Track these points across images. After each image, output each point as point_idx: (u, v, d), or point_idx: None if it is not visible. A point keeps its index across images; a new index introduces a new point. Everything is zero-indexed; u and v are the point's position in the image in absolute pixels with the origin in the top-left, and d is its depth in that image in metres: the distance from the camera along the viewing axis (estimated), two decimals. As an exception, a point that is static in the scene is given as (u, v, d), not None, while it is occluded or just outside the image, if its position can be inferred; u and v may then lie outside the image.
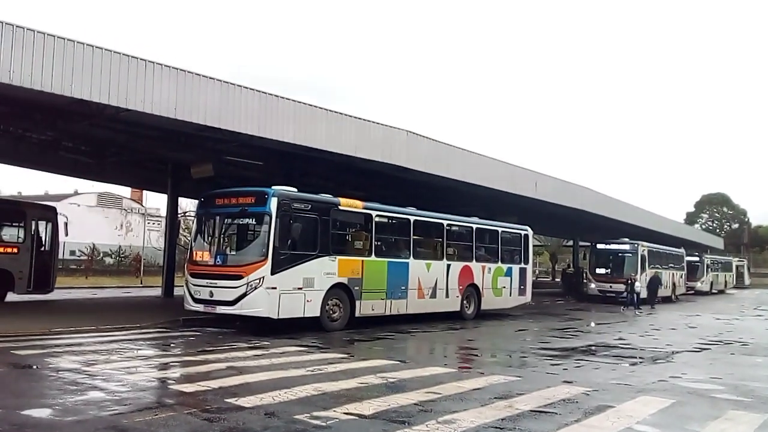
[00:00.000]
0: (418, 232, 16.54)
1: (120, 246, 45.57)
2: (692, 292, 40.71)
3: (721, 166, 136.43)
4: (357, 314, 14.32)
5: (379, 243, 15.31)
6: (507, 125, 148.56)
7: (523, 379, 8.57)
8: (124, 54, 12.00)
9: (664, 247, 34.83)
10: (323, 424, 5.77)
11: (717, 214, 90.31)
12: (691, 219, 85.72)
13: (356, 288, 14.27)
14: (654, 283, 27.88)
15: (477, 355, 11.78)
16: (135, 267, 39.15)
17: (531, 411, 6.59)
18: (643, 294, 29.62)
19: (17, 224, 18.18)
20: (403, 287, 15.69)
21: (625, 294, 25.63)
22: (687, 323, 20.08)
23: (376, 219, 15.24)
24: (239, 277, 12.48)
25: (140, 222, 49.36)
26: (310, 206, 13.56)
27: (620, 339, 14.55)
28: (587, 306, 26.86)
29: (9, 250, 17.52)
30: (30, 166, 23.22)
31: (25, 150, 19.64)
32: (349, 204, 14.71)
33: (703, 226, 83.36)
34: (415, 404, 6.70)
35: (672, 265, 35.10)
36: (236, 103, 13.80)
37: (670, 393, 7.95)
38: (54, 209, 19.83)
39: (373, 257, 14.93)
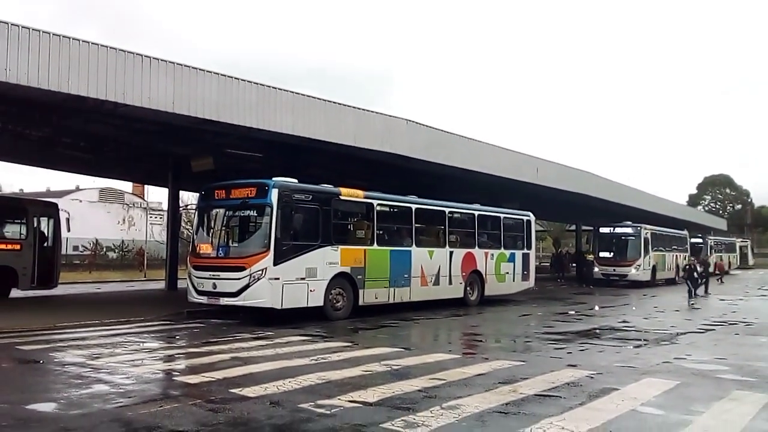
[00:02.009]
0: (420, 220, 16.52)
1: (123, 240, 45.66)
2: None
3: (723, 148, 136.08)
4: (360, 303, 14.34)
5: (381, 232, 15.30)
6: (506, 112, 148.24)
7: (527, 364, 8.57)
8: (120, 50, 11.96)
9: (668, 230, 34.78)
10: (328, 412, 5.78)
11: (720, 196, 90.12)
12: (694, 201, 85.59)
13: (359, 277, 14.29)
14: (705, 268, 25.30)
15: (481, 341, 11.79)
16: (138, 261, 39.25)
17: (535, 395, 6.60)
18: (646, 277, 29.72)
19: (19, 221, 18.20)
20: (406, 275, 15.70)
21: (688, 280, 23.20)
22: (691, 304, 20.10)
23: (378, 208, 15.23)
24: (242, 269, 12.50)
25: (142, 216, 49.35)
26: (311, 197, 13.55)
27: (624, 322, 14.56)
28: (591, 290, 26.86)
29: (12, 246, 17.54)
30: (30, 163, 23.27)
31: (25, 147, 19.66)
32: (350, 194, 14.69)
33: (706, 208, 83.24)
34: (419, 391, 6.71)
35: (675, 247, 35.06)
36: (234, 95, 13.76)
37: (675, 374, 7.96)
38: (55, 205, 19.85)
39: (375, 246, 14.93)
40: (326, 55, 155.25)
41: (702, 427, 5.51)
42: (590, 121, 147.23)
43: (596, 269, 30.14)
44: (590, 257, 29.16)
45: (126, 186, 54.67)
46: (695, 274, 23.31)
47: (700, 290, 23.38)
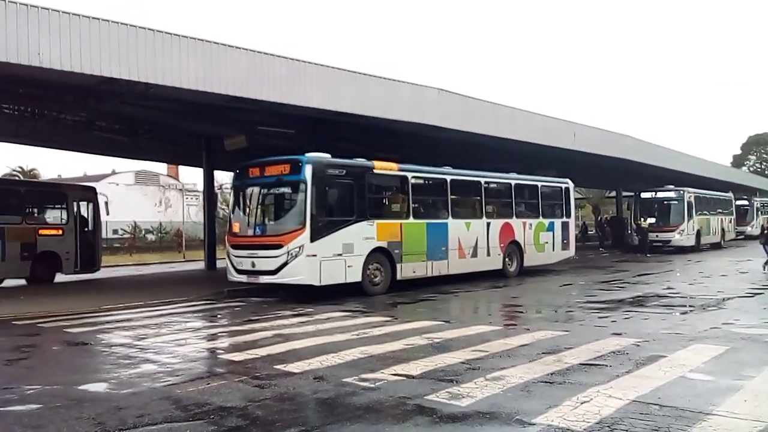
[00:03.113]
0: (456, 192, 16.35)
1: (161, 222, 46.48)
2: (742, 237, 39.67)
3: (767, 105, 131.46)
4: (398, 277, 14.30)
5: (416, 205, 15.18)
6: (540, 78, 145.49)
7: (570, 333, 8.44)
8: (149, 29, 11.97)
9: (712, 192, 33.83)
10: (372, 385, 5.77)
11: (765, 155, 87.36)
12: (738, 162, 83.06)
13: (396, 251, 14.23)
14: None
15: (522, 312, 11.66)
16: (177, 242, 39.97)
17: (580, 364, 6.49)
18: (690, 242, 29.00)
19: (59, 206, 18.62)
20: (443, 248, 15.59)
21: (766, 245, 19.77)
22: (738, 269, 19.61)
23: (412, 180, 15.09)
24: (279, 247, 12.55)
25: (178, 198, 50.15)
26: (344, 171, 13.49)
27: (669, 288, 14.25)
28: (632, 257, 26.37)
29: (54, 231, 17.95)
30: (67, 147, 23.70)
31: (61, 132, 20.04)
32: (383, 167, 14.58)
33: (751, 169, 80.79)
34: (462, 363, 6.66)
35: (720, 210, 34.14)
36: (263, 71, 13.72)
37: (723, 340, 7.77)
38: (94, 189, 20.21)
39: (411, 219, 14.83)
40: (329, 49, 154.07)
41: (753, 392, 5.37)
42: (629, 85, 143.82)
43: (637, 236, 29.51)
44: (645, 224, 27.91)
45: (161, 168, 55.52)
46: None
47: None
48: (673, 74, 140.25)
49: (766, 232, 21.00)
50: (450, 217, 15.98)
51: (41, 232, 17.58)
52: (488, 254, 16.99)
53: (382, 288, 13.90)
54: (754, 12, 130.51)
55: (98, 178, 48.28)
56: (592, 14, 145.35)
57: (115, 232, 41.42)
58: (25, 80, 12.79)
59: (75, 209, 18.67)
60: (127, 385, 6.11)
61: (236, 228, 13.95)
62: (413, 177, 15.14)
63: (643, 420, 4.59)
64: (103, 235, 23.57)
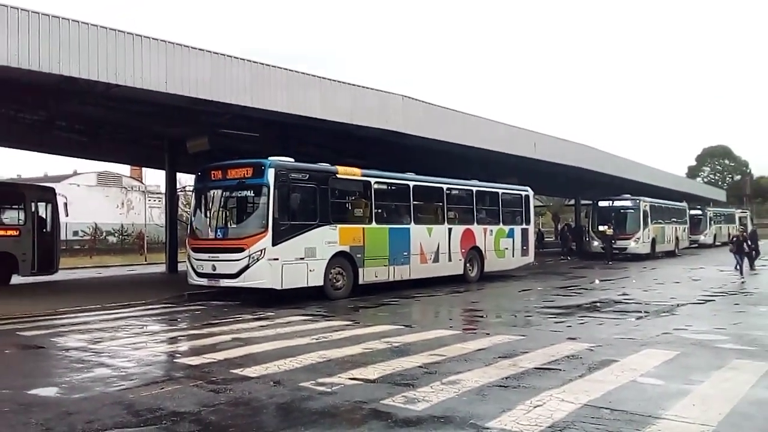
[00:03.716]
0: (418, 197, 16.49)
1: (122, 224, 45.71)
2: (696, 245, 40.78)
3: (721, 119, 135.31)
4: (360, 282, 14.35)
5: (379, 210, 15.27)
6: (501, 87, 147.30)
7: (527, 338, 8.60)
8: (111, 29, 11.82)
9: (666, 202, 34.73)
10: (329, 390, 5.80)
11: (719, 167, 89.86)
12: (693, 172, 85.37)
13: (358, 256, 14.28)
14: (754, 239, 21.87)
15: (482, 317, 11.81)
16: (138, 245, 39.32)
17: (535, 368, 6.62)
18: (645, 249, 29.66)
19: (17, 206, 18.16)
20: (405, 253, 15.70)
21: (736, 254, 20.49)
22: (690, 276, 20.15)
23: (375, 186, 15.18)
24: (241, 250, 12.49)
25: (141, 199, 49.38)
26: (308, 176, 13.49)
27: (624, 294, 14.59)
28: (590, 264, 26.89)
29: (10, 232, 17.52)
30: (26, 147, 23.15)
31: (20, 131, 19.55)
32: (347, 172, 14.63)
33: (705, 180, 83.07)
34: (419, 367, 6.73)
35: (674, 219, 35.05)
36: (228, 74, 13.64)
37: (675, 345, 7.98)
38: (53, 190, 19.81)
39: (373, 224, 14.90)
40: (311, 33, 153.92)
41: (701, 396, 5.53)
42: (586, 95, 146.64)
43: (595, 243, 30.09)
44: (609, 231, 28.27)
45: (124, 169, 54.55)
46: (745, 246, 20.53)
47: (746, 265, 20.47)
48: (633, 86, 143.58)
49: (734, 240, 21.54)
50: (412, 223, 16.10)
51: (-3, 232, 17.17)
52: (450, 259, 17.16)
53: (344, 292, 13.92)
54: (709, 26, 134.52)
55: (60, 178, 47.22)
56: (557, 25, 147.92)
57: (75, 233, 40.55)
58: (-21, 77, 12.49)
59: (33, 210, 18.26)
60: (79, 390, 6.02)
61: (197, 231, 13.83)
62: (376, 182, 15.23)
63: (594, 424, 4.70)
64: (63, 237, 23.06)
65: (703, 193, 51.28)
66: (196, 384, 6.14)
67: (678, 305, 12.49)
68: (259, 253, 12.36)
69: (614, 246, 28.53)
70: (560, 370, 6.57)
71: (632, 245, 29.26)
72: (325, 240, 13.54)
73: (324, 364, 6.91)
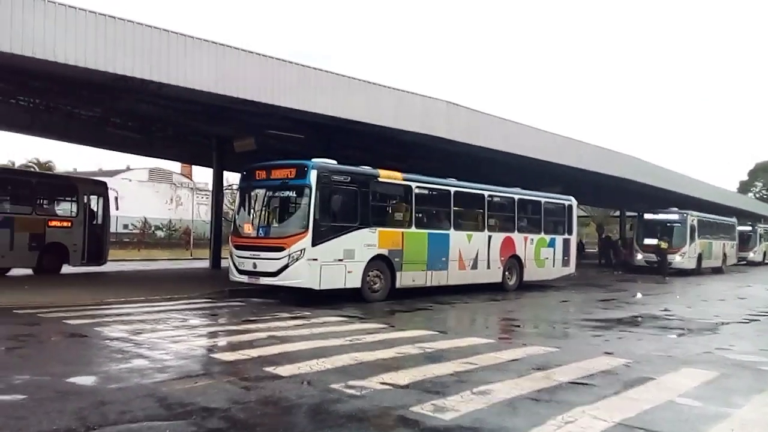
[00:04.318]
0: (459, 204, 16.40)
1: (170, 219, 46.73)
2: (744, 262, 39.52)
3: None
4: (397, 285, 14.36)
5: (419, 214, 15.25)
6: (547, 97, 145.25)
7: (562, 350, 8.48)
8: (164, 29, 12.13)
9: (715, 217, 33.68)
10: (358, 393, 5.83)
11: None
12: (744, 187, 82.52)
13: (397, 259, 14.30)
14: None
15: (518, 326, 11.69)
16: (185, 240, 40.11)
17: (569, 382, 6.52)
18: (691, 265, 28.84)
19: (70, 199, 18.80)
20: (443, 258, 15.65)
21: None
22: (736, 294, 19.55)
23: (416, 190, 15.17)
24: (281, 249, 12.65)
25: (189, 196, 50.37)
26: (349, 178, 13.58)
27: (666, 310, 14.24)
28: (634, 277, 26.31)
29: (63, 223, 18.13)
30: (82, 142, 23.91)
31: (76, 126, 20.25)
32: (388, 176, 14.67)
33: (757, 195, 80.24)
34: (451, 374, 6.70)
35: (723, 235, 33.98)
36: (275, 76, 13.84)
37: (715, 365, 7.76)
38: (105, 184, 20.40)
39: (413, 229, 14.90)
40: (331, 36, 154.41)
41: (741, 421, 5.37)
42: (639, 107, 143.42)
43: (639, 256, 29.40)
44: (664, 245, 27.33)
45: (175, 166, 55.76)
46: None
47: None
48: (685, 98, 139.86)
49: None
50: (452, 229, 16.04)
51: (50, 223, 17.80)
52: (488, 267, 17.03)
53: (381, 295, 13.97)
54: (763, 38, 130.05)
55: (113, 173, 48.56)
56: (608, 35, 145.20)
57: (125, 227, 41.64)
58: (40, 74, 12.97)
59: (85, 202, 18.86)
60: (116, 380, 6.19)
61: (240, 229, 14.07)
62: (417, 187, 15.22)
63: (627, 444, 4.59)
64: (113, 230, 23.73)
65: (754, 209, 49.57)
66: (228, 380, 6.25)
67: (721, 324, 12.15)
68: (299, 252, 12.50)
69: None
70: (595, 385, 6.46)
71: (677, 260, 28.47)
72: (364, 242, 13.61)
73: (356, 367, 6.95)
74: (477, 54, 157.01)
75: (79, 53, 10.91)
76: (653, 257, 28.20)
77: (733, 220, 36.80)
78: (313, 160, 13.13)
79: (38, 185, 18.87)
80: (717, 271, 32.03)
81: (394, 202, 15.30)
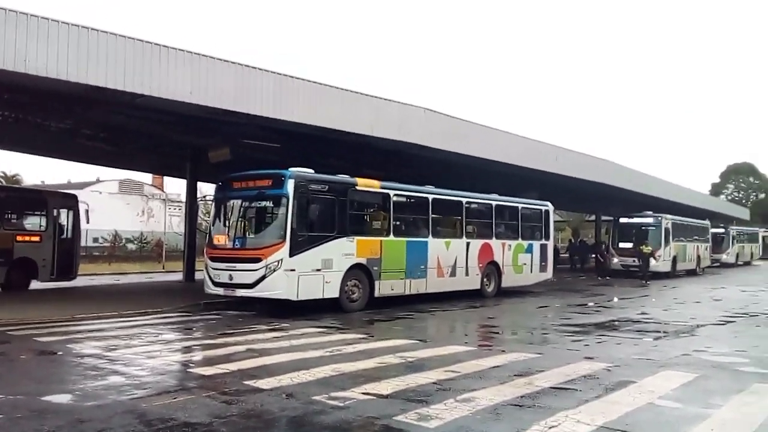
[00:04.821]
0: (437, 211, 16.44)
1: (142, 232, 46.15)
2: (718, 264, 40.22)
3: (747, 136, 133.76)
4: (376, 294, 14.31)
5: (397, 222, 15.25)
6: (521, 101, 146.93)
7: (543, 356, 8.51)
8: (138, 40, 11.97)
9: (689, 219, 34.27)
10: (341, 404, 5.77)
11: (743, 185, 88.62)
12: (716, 190, 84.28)
13: (375, 268, 14.25)
14: None
15: (497, 333, 11.73)
16: (157, 252, 39.61)
17: (551, 388, 6.55)
18: (666, 268, 29.22)
19: (39, 213, 18.41)
20: (422, 266, 15.64)
21: None
22: (711, 296, 19.85)
23: (394, 198, 15.16)
24: (258, 260, 12.53)
25: (161, 208, 49.89)
26: (327, 187, 13.53)
27: (643, 314, 14.39)
28: (609, 281, 26.59)
29: (31, 238, 17.75)
30: (50, 154, 23.54)
31: (45, 139, 19.86)
32: (366, 184, 14.65)
33: (729, 197, 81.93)
34: (433, 383, 6.68)
35: (696, 237, 34.57)
36: (251, 85, 13.74)
37: (694, 367, 7.86)
38: (75, 197, 20.04)
39: (391, 237, 14.88)
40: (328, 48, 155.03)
41: (721, 421, 5.44)
42: (609, 110, 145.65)
43: (615, 260, 29.73)
44: (647, 249, 27.51)
45: (145, 177, 55.21)
46: None
47: None
48: (657, 102, 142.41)
49: None
50: (430, 236, 16.06)
51: (19, 238, 17.39)
52: (467, 274, 17.07)
53: (360, 305, 13.89)
54: (732, 42, 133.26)
55: (82, 185, 47.96)
56: (579, 41, 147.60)
57: (95, 240, 41.02)
58: (10, 86, 12.71)
59: (54, 216, 18.50)
60: (92, 398, 6.05)
61: (216, 240, 13.89)
62: (395, 195, 15.23)
63: (609, 447, 4.63)
64: (83, 243, 23.29)
65: (727, 211, 50.57)
66: (208, 395, 6.15)
67: (698, 326, 12.31)
68: (276, 263, 12.39)
69: (635, 263, 28.04)
70: (577, 390, 6.50)
71: (653, 263, 28.80)
72: (343, 252, 13.55)
73: (337, 378, 6.89)
74: (457, 60, 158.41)
75: (50, 64, 10.70)
76: (629, 261, 28.54)
77: (707, 222, 37.45)
78: (290, 169, 13.05)
79: (6, 199, 18.46)
80: (691, 273, 32.55)
81: (372, 210, 15.27)
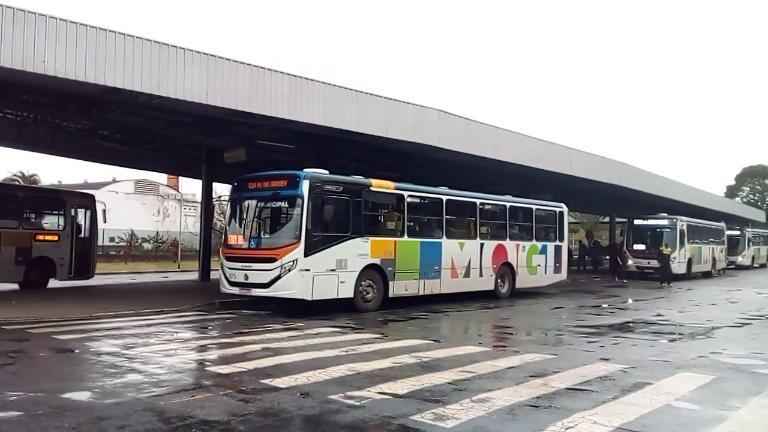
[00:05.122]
0: (451, 212, 16.44)
1: (158, 232, 46.49)
2: (733, 266, 39.86)
3: (762, 138, 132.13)
4: (390, 295, 14.33)
5: (411, 223, 15.26)
6: (536, 102, 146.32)
7: (558, 357, 8.49)
8: (154, 41, 12.06)
9: (704, 222, 34.00)
10: (357, 403, 5.80)
11: (759, 187, 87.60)
12: (731, 192, 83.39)
13: (389, 269, 14.28)
14: None
15: (512, 334, 11.70)
16: (172, 252, 39.87)
17: (567, 389, 6.53)
18: (681, 269, 28.94)
19: (57, 212, 18.63)
20: (436, 267, 15.65)
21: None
22: (728, 298, 19.70)
23: (408, 199, 15.18)
24: (273, 260, 12.59)
25: (177, 208, 50.20)
26: (341, 188, 13.57)
27: (659, 315, 14.31)
28: (626, 284, 26.39)
29: (50, 237, 17.96)
30: (68, 155, 23.72)
31: (62, 139, 20.08)
32: (380, 185, 14.68)
33: (745, 200, 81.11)
34: (449, 383, 6.69)
35: (712, 239, 34.27)
36: (267, 86, 13.80)
37: (710, 369, 7.83)
38: (92, 197, 20.24)
39: (405, 237, 14.89)
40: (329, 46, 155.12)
41: (738, 423, 5.42)
42: (626, 112, 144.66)
43: (630, 262, 29.50)
44: (667, 250, 26.85)
45: (161, 178, 55.64)
46: None
47: None
48: (672, 104, 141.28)
49: None
50: (444, 237, 16.05)
51: (37, 237, 17.62)
52: (480, 275, 17.05)
53: (374, 305, 13.93)
54: (750, 46, 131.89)
55: (99, 185, 48.36)
56: (594, 42, 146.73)
57: (111, 239, 41.42)
58: (29, 87, 12.88)
59: (72, 216, 18.71)
60: (111, 395, 6.11)
61: (231, 240, 13.98)
62: (409, 196, 15.24)
63: (626, 448, 4.62)
64: (100, 243, 23.50)
65: (742, 214, 50.09)
66: (226, 393, 6.19)
67: (714, 328, 12.22)
68: (291, 263, 12.45)
69: (650, 265, 27.79)
70: (593, 391, 6.48)
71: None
72: (357, 252, 13.59)
73: (353, 377, 6.92)
74: (470, 62, 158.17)
75: (69, 66, 10.82)
76: (644, 263, 28.32)
77: (722, 224, 37.12)
78: (304, 170, 13.12)
79: (25, 199, 18.71)
80: (707, 275, 32.28)
81: (387, 211, 15.28)
